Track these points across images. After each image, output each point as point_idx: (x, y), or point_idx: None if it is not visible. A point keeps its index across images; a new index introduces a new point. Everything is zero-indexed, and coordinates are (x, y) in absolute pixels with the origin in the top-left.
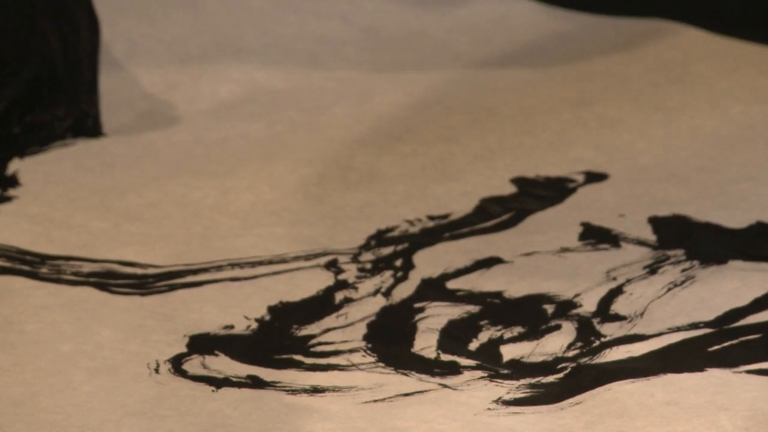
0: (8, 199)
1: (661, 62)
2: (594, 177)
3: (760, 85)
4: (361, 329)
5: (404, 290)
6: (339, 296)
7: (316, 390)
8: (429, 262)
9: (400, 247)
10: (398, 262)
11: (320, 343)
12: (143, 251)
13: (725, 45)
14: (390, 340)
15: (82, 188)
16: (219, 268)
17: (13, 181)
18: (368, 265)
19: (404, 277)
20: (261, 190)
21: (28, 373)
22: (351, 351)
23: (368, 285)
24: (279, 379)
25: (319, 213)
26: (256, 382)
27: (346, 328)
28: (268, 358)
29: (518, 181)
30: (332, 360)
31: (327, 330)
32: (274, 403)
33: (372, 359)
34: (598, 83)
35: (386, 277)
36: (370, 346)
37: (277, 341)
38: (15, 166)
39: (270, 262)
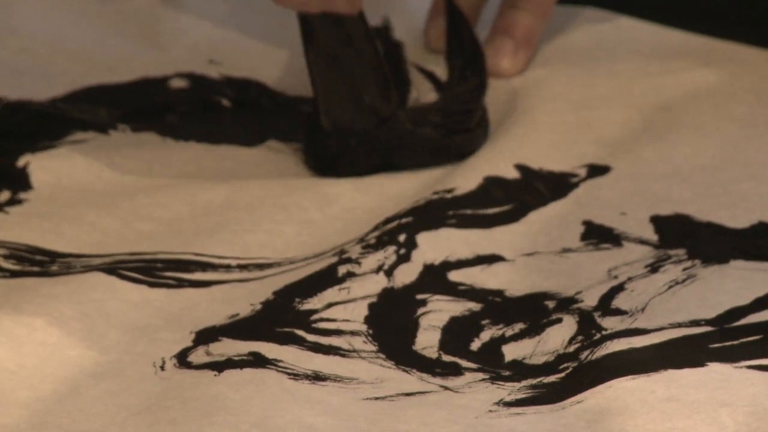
0: (19, 201)
1: (664, 66)
2: (596, 170)
3: (764, 89)
4: (363, 309)
5: (406, 273)
6: (342, 270)
7: (317, 377)
8: (431, 247)
9: (404, 221)
10: (401, 238)
11: (322, 320)
12: (153, 245)
13: (728, 50)
14: (391, 327)
15: (92, 192)
16: (227, 268)
17: (24, 184)
18: (372, 240)
19: (407, 257)
20: (271, 188)
21: (35, 378)
22: (352, 333)
23: (371, 260)
24: (281, 357)
25: (329, 214)
26: (258, 359)
27: (347, 305)
28: (270, 330)
29: (522, 169)
30: (334, 340)
31: (329, 305)
32: (276, 388)
33: (373, 348)
34: (602, 88)
35: (389, 253)
36: (371, 332)
37: (280, 314)
38: (26, 160)
39: (279, 265)
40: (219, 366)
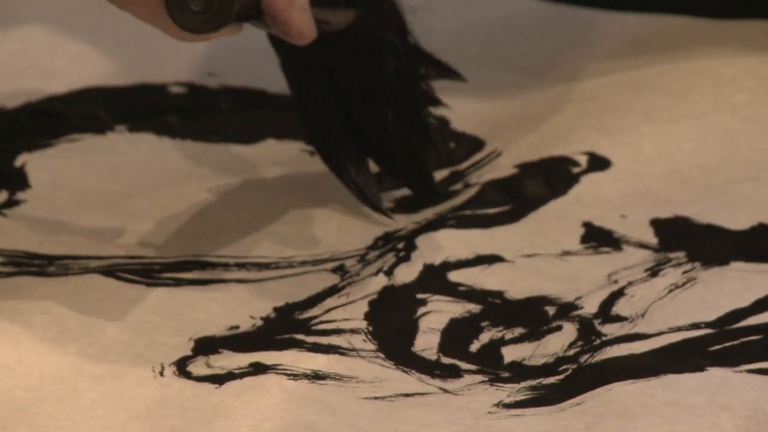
0: (17, 203)
1: (664, 51)
2: (597, 163)
3: (764, 74)
4: (363, 307)
5: (406, 272)
6: (342, 284)
7: (317, 376)
8: (431, 247)
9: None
10: (401, 245)
11: (322, 322)
12: (151, 246)
13: (727, 28)
14: (391, 326)
15: (90, 192)
16: (226, 266)
17: (22, 183)
18: (374, 259)
19: (407, 257)
20: (269, 189)
21: (33, 377)
22: (352, 331)
23: (370, 268)
24: (281, 361)
25: (326, 213)
26: (258, 368)
27: (347, 306)
28: (270, 339)
29: (521, 167)
30: (333, 339)
31: (329, 310)
32: (276, 390)
33: (373, 346)
34: (603, 79)
35: (388, 258)
36: (371, 329)
37: (280, 328)
38: (23, 160)
39: (277, 266)
40: (220, 379)
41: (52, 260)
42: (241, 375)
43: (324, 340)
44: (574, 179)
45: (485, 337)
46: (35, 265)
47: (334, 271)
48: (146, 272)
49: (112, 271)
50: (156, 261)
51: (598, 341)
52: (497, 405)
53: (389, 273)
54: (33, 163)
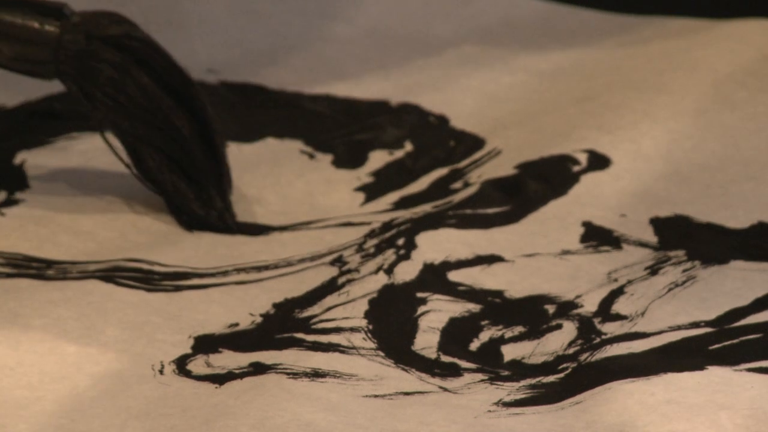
0: (15, 202)
1: (664, 49)
2: (597, 162)
3: (764, 72)
4: (363, 305)
5: (406, 271)
6: (342, 279)
7: (317, 374)
8: (431, 247)
9: (403, 227)
10: (401, 242)
11: (321, 321)
12: (150, 256)
13: (727, 28)
14: (391, 324)
15: (89, 192)
16: (225, 273)
17: (21, 182)
18: (372, 249)
19: (407, 256)
20: (267, 199)
21: (33, 376)
22: (352, 330)
23: (370, 265)
24: (280, 360)
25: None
26: (258, 368)
27: (347, 305)
28: (270, 338)
29: (521, 166)
30: (333, 338)
31: (329, 308)
32: (275, 389)
33: (372, 345)
34: (603, 79)
35: (388, 255)
36: (370, 327)
37: (280, 326)
38: (22, 159)
39: (276, 267)
40: (220, 379)
41: (51, 264)
42: (241, 375)
43: (324, 338)
44: (574, 178)
45: (485, 336)
46: (34, 268)
47: (333, 263)
48: (146, 279)
49: (112, 277)
50: (155, 270)
51: (597, 340)
52: (497, 403)
53: (389, 271)
54: (32, 162)
